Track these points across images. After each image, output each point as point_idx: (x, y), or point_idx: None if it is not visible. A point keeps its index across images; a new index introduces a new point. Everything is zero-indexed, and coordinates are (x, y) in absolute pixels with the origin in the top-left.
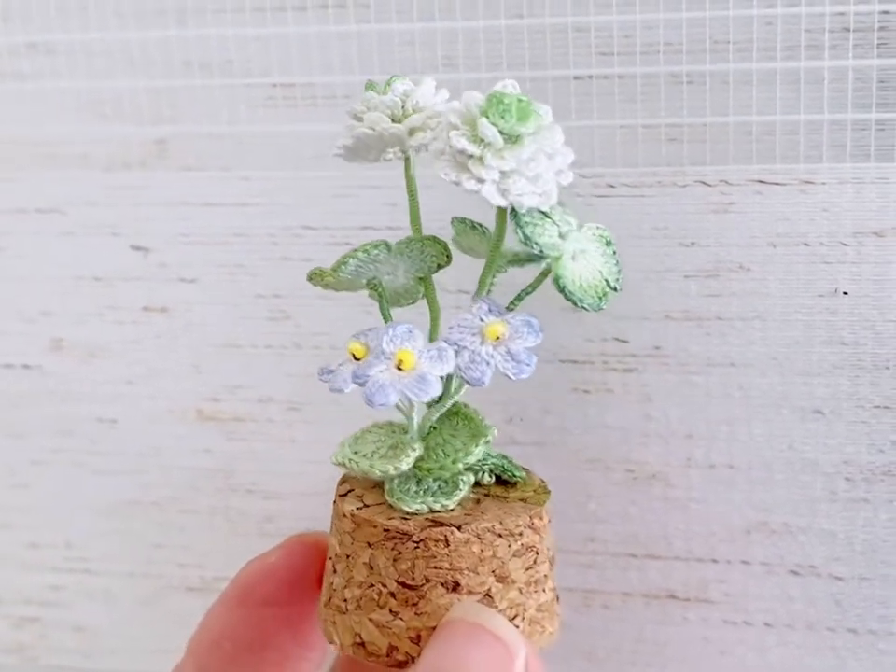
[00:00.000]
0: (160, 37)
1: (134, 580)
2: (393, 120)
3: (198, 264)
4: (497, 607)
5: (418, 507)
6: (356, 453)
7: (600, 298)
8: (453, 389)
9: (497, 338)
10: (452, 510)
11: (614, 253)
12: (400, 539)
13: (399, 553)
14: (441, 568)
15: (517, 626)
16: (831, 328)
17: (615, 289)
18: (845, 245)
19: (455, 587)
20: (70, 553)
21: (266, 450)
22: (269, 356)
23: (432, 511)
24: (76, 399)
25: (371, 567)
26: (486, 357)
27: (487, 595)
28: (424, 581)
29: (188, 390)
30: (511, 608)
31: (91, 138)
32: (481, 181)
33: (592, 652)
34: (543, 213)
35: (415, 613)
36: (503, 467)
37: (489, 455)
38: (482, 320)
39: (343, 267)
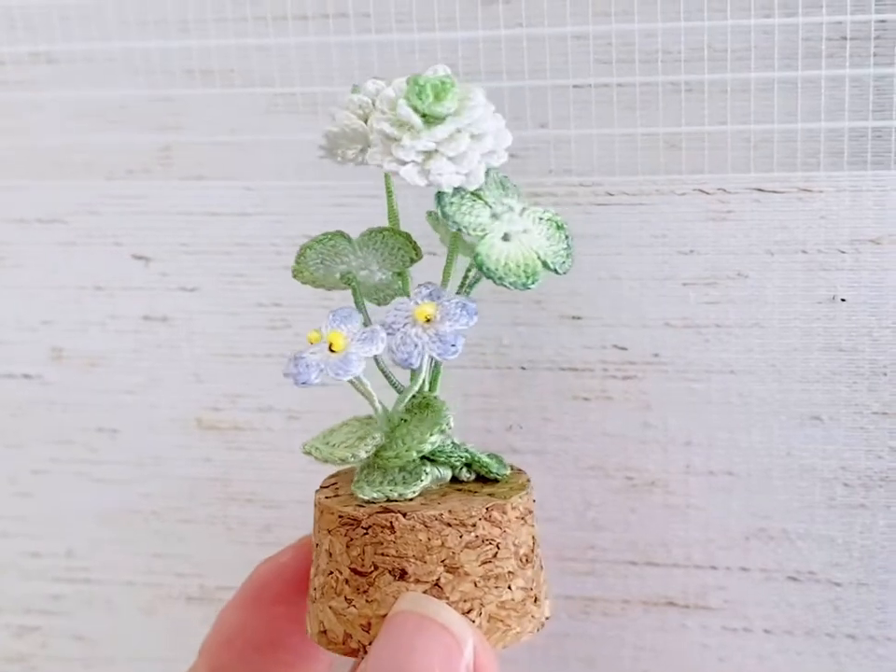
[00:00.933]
0: (162, 47)
1: (134, 588)
2: (364, 120)
3: (199, 273)
4: (447, 598)
5: (375, 495)
6: (326, 443)
7: (528, 277)
8: (422, 380)
9: (428, 319)
10: (410, 499)
11: (566, 237)
12: (351, 525)
13: (351, 539)
14: (387, 555)
15: (473, 621)
16: (829, 334)
17: (555, 271)
18: (842, 252)
19: (403, 575)
20: (71, 562)
21: (266, 459)
22: (269, 364)
23: (389, 500)
24: (76, 408)
25: (330, 555)
26: (415, 339)
27: (437, 585)
28: (373, 568)
29: (188, 399)
30: (466, 601)
31: (94, 147)
32: (402, 163)
33: (591, 659)
34: (475, 193)
35: (366, 601)
36: (480, 462)
37: (465, 449)
38: (416, 304)
39: (301, 259)
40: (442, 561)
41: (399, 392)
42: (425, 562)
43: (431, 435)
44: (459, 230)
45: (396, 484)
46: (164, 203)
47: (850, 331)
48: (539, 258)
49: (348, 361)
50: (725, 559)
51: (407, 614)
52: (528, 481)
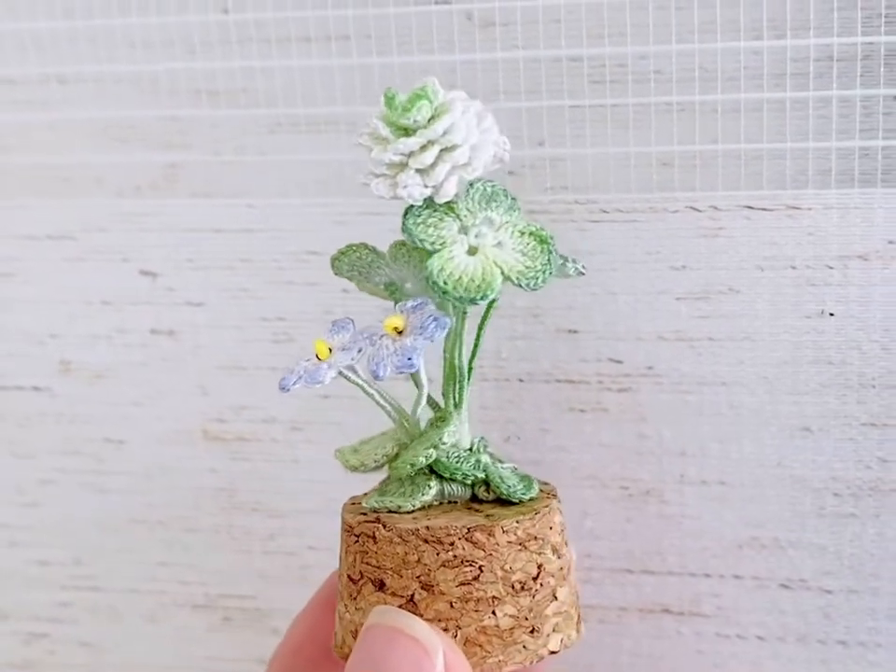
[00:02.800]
0: (169, 68)
1: (140, 596)
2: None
3: (204, 288)
4: (421, 615)
5: (376, 504)
6: (354, 451)
7: (477, 292)
8: (425, 392)
9: (398, 331)
10: (409, 512)
11: (549, 253)
12: (348, 531)
13: (348, 545)
14: (370, 565)
15: None
16: (818, 348)
17: (520, 286)
18: (830, 268)
19: (381, 586)
20: (78, 570)
21: (269, 469)
22: (273, 377)
23: (389, 511)
24: (84, 419)
25: (341, 560)
26: (384, 351)
27: (411, 600)
28: (360, 576)
29: (193, 411)
30: (440, 620)
31: (102, 166)
32: (374, 175)
33: (590, 666)
34: (449, 206)
35: (356, 608)
36: (494, 481)
37: (483, 467)
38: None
39: (336, 263)
40: (418, 577)
41: (432, 406)
42: (401, 576)
43: (426, 449)
44: (415, 243)
45: (400, 496)
46: (171, 221)
47: (839, 345)
48: (502, 272)
49: (318, 371)
50: (719, 567)
51: (377, 628)
52: (547, 507)
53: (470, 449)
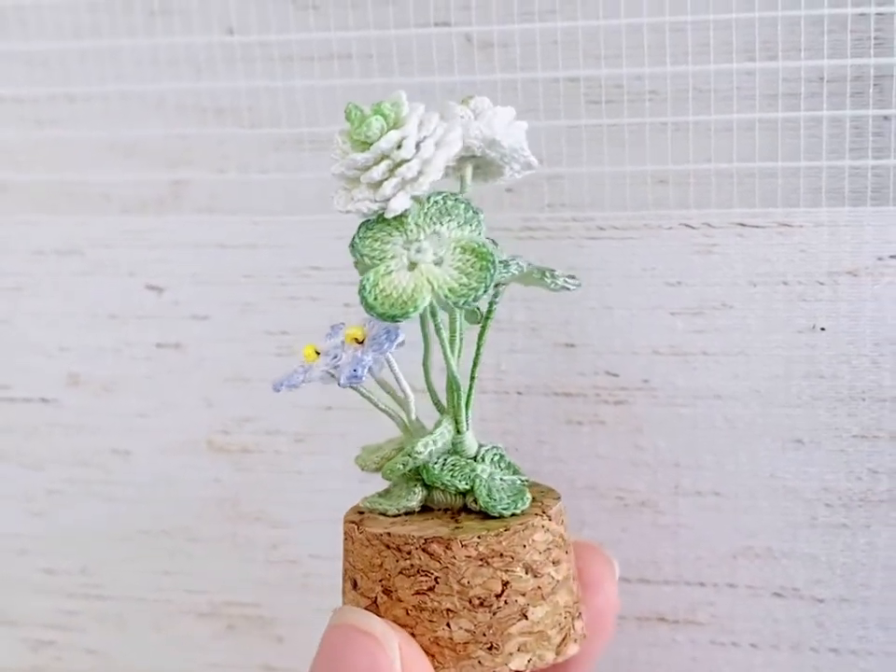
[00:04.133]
0: (175, 87)
1: (146, 605)
2: None
3: (209, 303)
4: (382, 618)
5: (368, 506)
6: (370, 452)
7: (400, 309)
8: (409, 399)
9: (358, 341)
10: (394, 515)
11: (488, 269)
12: (344, 530)
13: (343, 543)
14: (349, 563)
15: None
16: (809, 362)
17: (449, 304)
18: (821, 283)
19: (355, 585)
20: (84, 579)
21: (273, 480)
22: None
23: (378, 514)
24: (91, 431)
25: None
26: (345, 360)
27: (375, 602)
28: (344, 573)
29: (198, 423)
30: (398, 625)
31: (109, 183)
32: (337, 190)
33: None
34: (399, 220)
35: (343, 602)
36: (478, 493)
37: (471, 479)
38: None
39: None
40: (380, 580)
41: (440, 410)
42: (369, 577)
43: (402, 457)
44: (356, 257)
45: (388, 500)
46: (176, 236)
47: (830, 359)
48: (433, 289)
49: (294, 374)
50: (713, 576)
51: (334, 627)
52: (523, 525)
53: (474, 458)
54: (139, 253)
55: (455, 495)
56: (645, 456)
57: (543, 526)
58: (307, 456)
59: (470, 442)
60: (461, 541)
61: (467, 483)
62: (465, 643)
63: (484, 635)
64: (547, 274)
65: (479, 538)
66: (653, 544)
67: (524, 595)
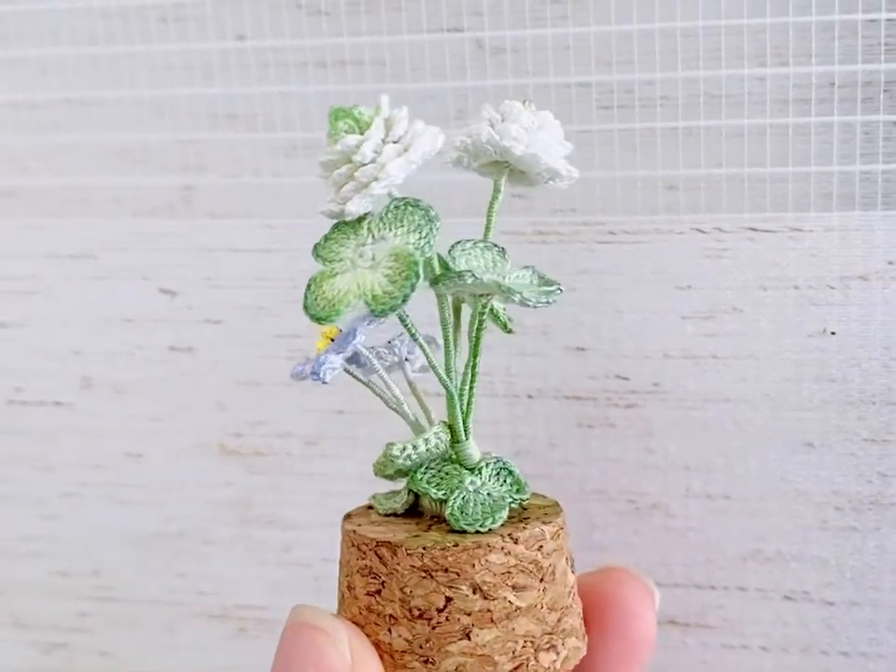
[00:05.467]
0: (188, 93)
1: (158, 607)
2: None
3: (222, 306)
4: (343, 613)
5: (371, 501)
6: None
7: (326, 314)
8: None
9: (333, 340)
10: (382, 514)
11: (412, 276)
12: None
13: None
14: (341, 555)
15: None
16: (820, 365)
17: (374, 312)
18: (832, 288)
19: (339, 577)
20: (97, 581)
21: (285, 483)
22: (288, 393)
23: (377, 511)
24: (104, 434)
25: None
26: (320, 360)
27: (343, 597)
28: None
29: (211, 426)
30: (354, 622)
31: (122, 187)
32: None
33: None
34: (359, 222)
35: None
36: (448, 507)
37: (447, 489)
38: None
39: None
40: (346, 576)
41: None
42: (342, 572)
43: (382, 457)
44: (315, 258)
45: (384, 498)
46: (189, 240)
47: (840, 362)
48: (360, 291)
49: (296, 366)
50: (723, 579)
51: (289, 626)
52: (476, 544)
53: (471, 468)
54: (152, 257)
55: (435, 502)
56: (655, 460)
57: (503, 549)
58: (319, 459)
59: (471, 452)
60: (406, 549)
61: (444, 493)
62: (402, 652)
63: (421, 647)
64: (515, 293)
65: (424, 549)
66: (664, 547)
67: (468, 614)
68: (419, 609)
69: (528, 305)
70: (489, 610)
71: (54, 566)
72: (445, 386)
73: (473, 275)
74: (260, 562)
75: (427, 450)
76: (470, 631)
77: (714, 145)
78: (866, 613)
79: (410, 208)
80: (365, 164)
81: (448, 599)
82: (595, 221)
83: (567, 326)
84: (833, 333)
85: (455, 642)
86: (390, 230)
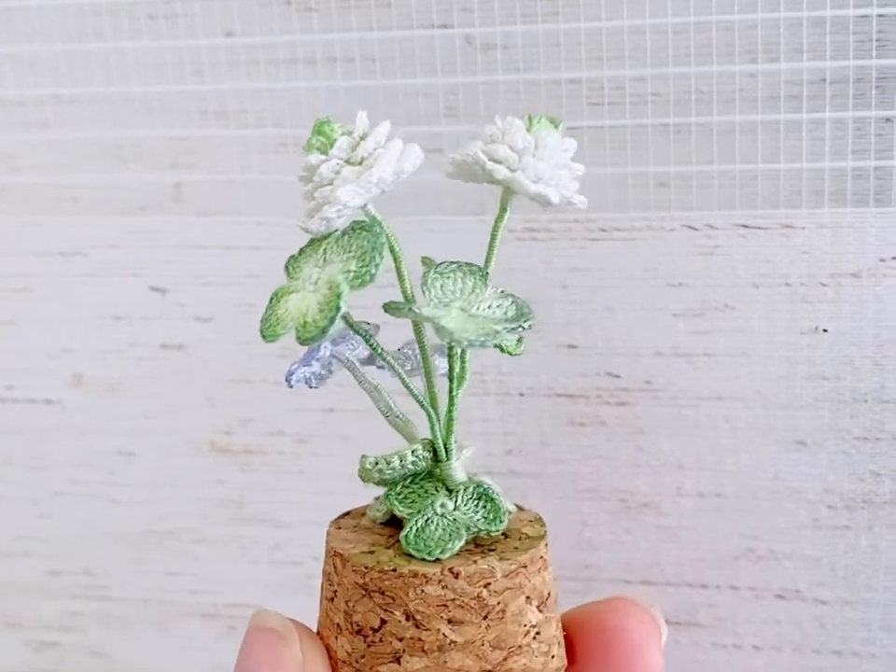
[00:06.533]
0: (177, 89)
1: (150, 606)
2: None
3: (213, 304)
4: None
5: (374, 502)
6: None
7: (268, 331)
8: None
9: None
10: (371, 519)
11: (332, 310)
12: None
13: None
14: None
15: None
16: (812, 363)
17: (298, 339)
18: (824, 285)
19: None
20: (88, 580)
21: (276, 481)
22: (280, 391)
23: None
24: (95, 432)
25: None
26: (290, 368)
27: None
28: None
29: (202, 424)
30: (321, 625)
31: (112, 184)
32: None
33: None
34: (320, 242)
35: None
36: (406, 527)
37: (413, 507)
38: None
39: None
40: (322, 577)
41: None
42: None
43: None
44: (284, 271)
45: (377, 504)
46: (180, 238)
47: (832, 360)
48: (296, 318)
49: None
50: (715, 578)
51: (247, 630)
52: (413, 574)
53: (451, 490)
54: (143, 254)
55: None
56: (647, 458)
57: (440, 582)
58: (310, 457)
59: (453, 472)
60: (351, 565)
61: (409, 513)
62: (343, 661)
63: (357, 661)
64: (436, 326)
65: (365, 568)
66: (655, 546)
67: (400, 640)
68: (358, 625)
69: (461, 346)
70: (421, 639)
71: (45, 565)
72: (422, 406)
73: (411, 309)
74: (252, 560)
75: (401, 465)
76: (401, 656)
77: (705, 141)
78: (859, 612)
79: (363, 233)
80: (323, 186)
81: (383, 621)
82: (587, 218)
83: (558, 323)
84: (825, 331)
85: (385, 664)
86: (338, 254)
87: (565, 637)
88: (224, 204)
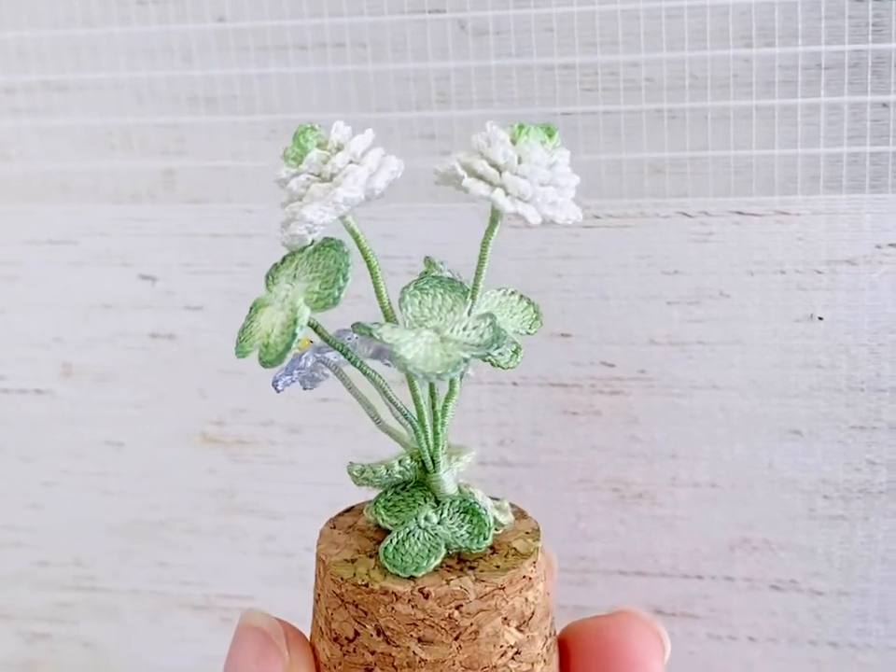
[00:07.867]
0: (167, 75)
1: (141, 597)
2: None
3: (203, 292)
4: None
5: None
6: None
7: (241, 346)
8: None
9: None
10: (366, 521)
11: (289, 335)
12: None
13: None
14: None
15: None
16: (807, 351)
17: (260, 360)
18: (819, 272)
19: None
20: (79, 571)
21: (268, 471)
22: (270, 381)
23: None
24: (85, 422)
25: None
26: (276, 374)
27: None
28: None
29: (193, 414)
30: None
31: (102, 172)
32: None
33: None
34: (295, 255)
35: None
36: (389, 541)
37: (398, 518)
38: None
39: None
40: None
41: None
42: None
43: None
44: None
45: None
46: (169, 225)
47: (828, 348)
48: (263, 336)
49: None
50: (710, 569)
51: (236, 629)
52: (384, 591)
53: (439, 502)
54: (132, 242)
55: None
56: (641, 447)
57: (410, 601)
58: (302, 447)
59: (442, 484)
60: (331, 574)
61: (392, 524)
62: (324, 665)
63: (335, 668)
64: (395, 355)
65: (342, 579)
66: (650, 536)
67: (372, 653)
68: (335, 633)
69: (416, 378)
70: (391, 655)
71: (35, 555)
72: (406, 417)
73: (371, 333)
74: (244, 551)
75: (388, 475)
76: (372, 669)
77: (699, 127)
78: (855, 603)
79: (331, 252)
80: (293, 201)
81: (356, 633)
82: (580, 205)
83: (551, 312)
84: (820, 319)
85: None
86: (306, 272)
87: (565, 650)
88: (214, 192)
